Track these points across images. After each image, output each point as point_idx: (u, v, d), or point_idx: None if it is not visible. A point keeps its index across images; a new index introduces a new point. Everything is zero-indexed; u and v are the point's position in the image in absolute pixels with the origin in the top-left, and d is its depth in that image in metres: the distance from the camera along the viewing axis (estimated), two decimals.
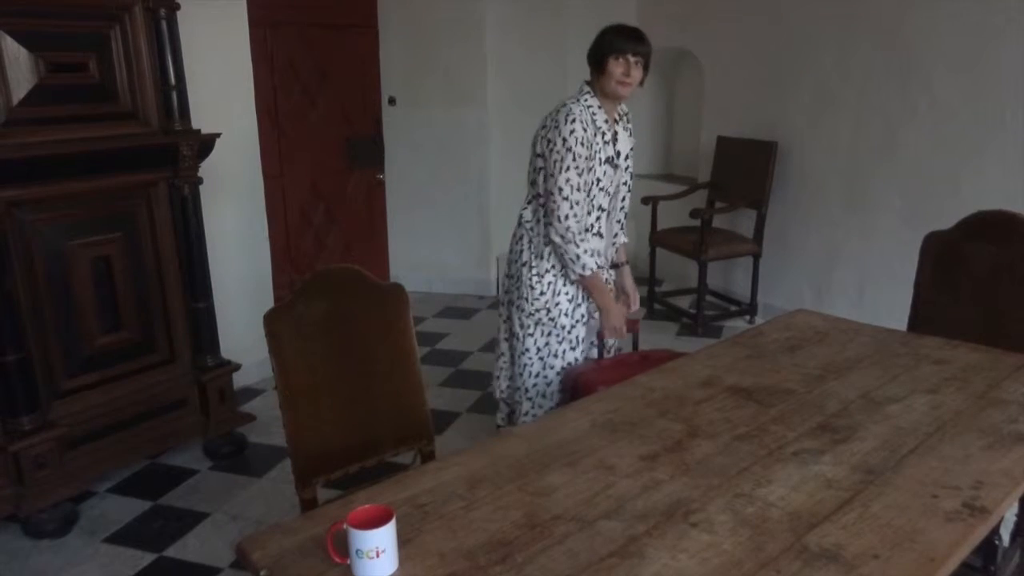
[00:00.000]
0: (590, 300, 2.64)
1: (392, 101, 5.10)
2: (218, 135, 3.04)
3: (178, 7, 2.87)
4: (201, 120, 3.02)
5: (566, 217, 2.44)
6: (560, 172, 2.41)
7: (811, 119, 4.39)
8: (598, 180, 2.49)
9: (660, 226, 4.78)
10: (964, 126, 3.68)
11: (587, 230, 2.55)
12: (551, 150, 2.44)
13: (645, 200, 4.70)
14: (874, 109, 4.05)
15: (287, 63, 4.38)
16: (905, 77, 3.89)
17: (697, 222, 4.38)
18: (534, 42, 4.93)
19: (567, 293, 2.60)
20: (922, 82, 3.81)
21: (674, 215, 4.72)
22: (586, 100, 2.47)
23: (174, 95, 2.91)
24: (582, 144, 2.40)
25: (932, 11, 3.73)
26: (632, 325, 2.71)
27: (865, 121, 4.11)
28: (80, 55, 2.70)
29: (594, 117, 2.46)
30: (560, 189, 2.42)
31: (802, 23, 4.37)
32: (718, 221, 4.80)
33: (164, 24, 2.84)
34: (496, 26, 4.96)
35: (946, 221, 2.51)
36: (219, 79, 3.46)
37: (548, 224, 2.50)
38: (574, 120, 2.41)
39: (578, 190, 2.42)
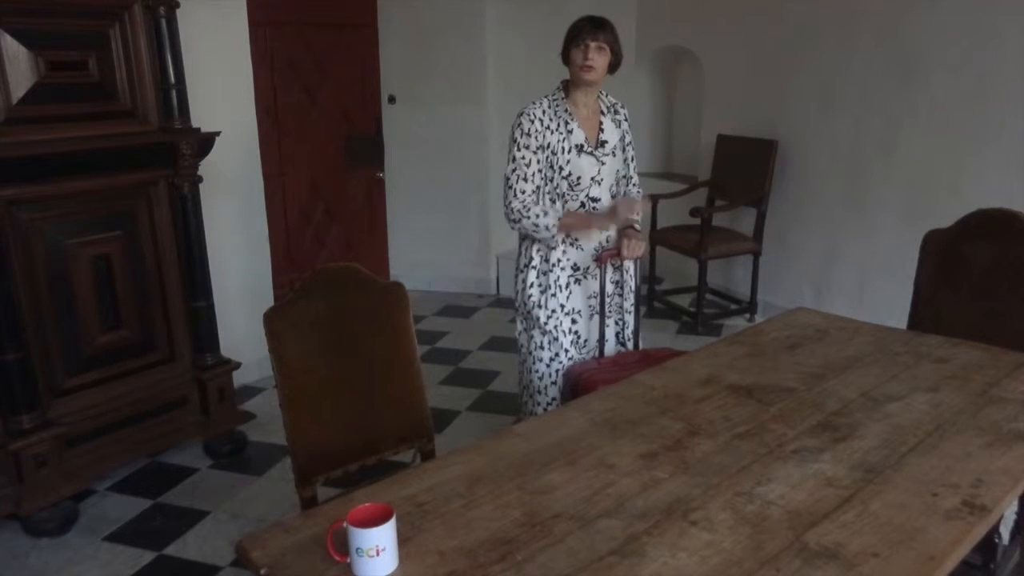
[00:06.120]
0: (580, 280, 2.67)
1: (392, 100, 5.09)
2: (218, 134, 3.03)
3: (178, 5, 2.87)
4: (201, 119, 3.02)
5: (509, 203, 2.55)
6: (507, 164, 2.57)
7: (811, 117, 4.39)
8: (561, 168, 2.55)
9: (660, 224, 4.78)
10: (964, 125, 3.67)
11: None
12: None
13: None
14: (874, 108, 4.05)
15: (287, 62, 4.37)
16: (905, 76, 3.88)
17: (697, 220, 4.38)
18: (534, 42, 4.91)
19: (540, 285, 2.65)
20: (922, 81, 3.81)
21: (674, 213, 4.71)
22: (551, 95, 2.59)
23: (174, 94, 2.91)
24: (527, 134, 2.53)
25: (932, 10, 3.73)
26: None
27: (865, 119, 4.10)
28: (79, 54, 2.70)
29: (556, 109, 2.56)
30: (506, 178, 2.57)
31: (802, 21, 4.36)
32: (718, 219, 4.79)
33: (164, 23, 2.84)
34: (496, 26, 4.96)
35: (946, 219, 2.50)
36: (219, 78, 3.45)
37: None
38: (520, 115, 2.55)
39: (524, 180, 2.54)
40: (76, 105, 2.71)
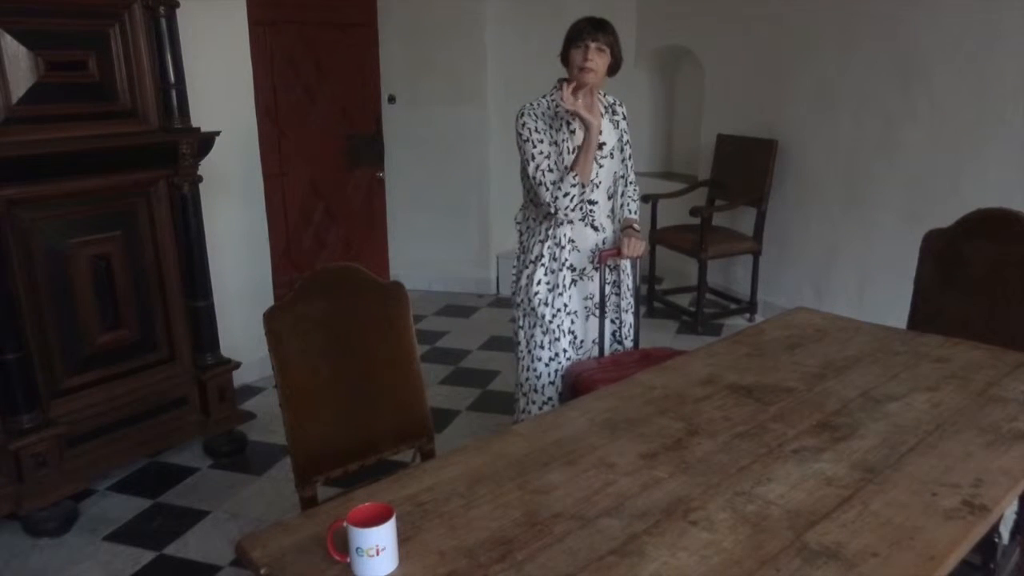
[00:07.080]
0: (577, 281, 2.67)
1: (392, 99, 5.09)
2: (218, 133, 3.03)
3: (178, 5, 2.87)
4: (201, 118, 3.02)
5: (554, 199, 2.51)
6: (529, 163, 2.53)
7: (811, 117, 4.39)
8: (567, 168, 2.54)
9: (660, 224, 4.78)
10: (964, 124, 3.67)
11: (570, 222, 2.60)
12: (519, 149, 2.57)
13: (645, 198, 4.68)
14: (874, 107, 4.05)
15: (287, 61, 4.37)
16: (905, 75, 3.88)
17: (697, 220, 4.37)
18: (534, 42, 4.92)
19: (548, 282, 2.64)
20: (922, 81, 3.81)
21: (674, 213, 4.71)
22: (550, 95, 2.58)
23: (174, 93, 2.91)
24: (536, 131, 2.52)
25: (932, 9, 3.73)
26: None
27: (865, 119, 4.10)
28: (79, 53, 2.70)
29: (556, 110, 2.55)
30: (534, 178, 2.53)
31: (802, 21, 4.36)
32: (718, 219, 4.80)
33: (164, 22, 2.84)
34: (496, 25, 4.96)
35: (946, 219, 2.50)
36: (219, 77, 3.45)
37: (549, 214, 2.58)
38: (523, 115, 2.54)
39: (549, 171, 2.52)
40: (76, 105, 2.70)
